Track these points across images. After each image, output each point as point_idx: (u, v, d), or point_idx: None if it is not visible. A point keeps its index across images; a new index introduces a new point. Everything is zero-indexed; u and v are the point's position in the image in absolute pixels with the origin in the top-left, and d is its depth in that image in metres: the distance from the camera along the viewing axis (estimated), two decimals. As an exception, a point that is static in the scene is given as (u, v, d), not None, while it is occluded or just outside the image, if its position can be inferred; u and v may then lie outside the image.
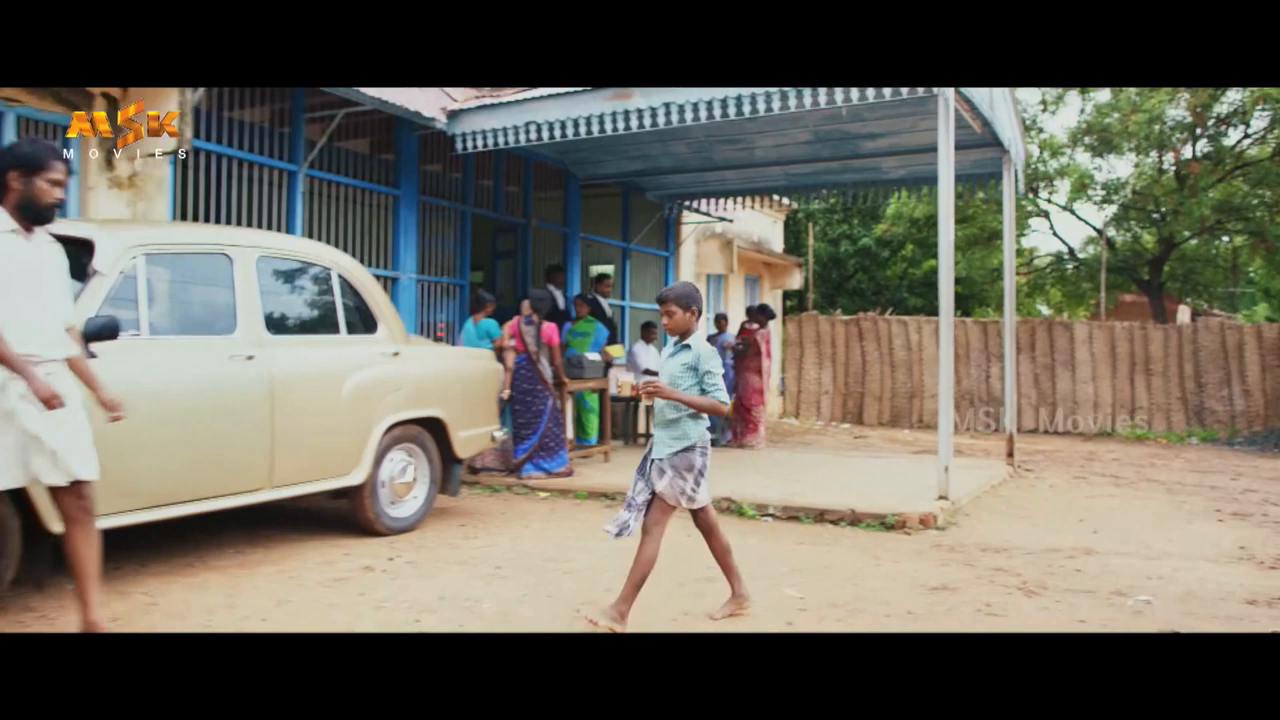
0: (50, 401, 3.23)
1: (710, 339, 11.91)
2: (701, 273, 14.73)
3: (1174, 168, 18.31)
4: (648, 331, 11.04)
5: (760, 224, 16.55)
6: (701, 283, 14.91)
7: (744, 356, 10.95)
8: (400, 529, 5.66)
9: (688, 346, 4.12)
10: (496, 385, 6.59)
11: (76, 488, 3.38)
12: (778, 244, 17.85)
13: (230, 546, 5.20)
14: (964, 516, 7.05)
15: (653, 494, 4.12)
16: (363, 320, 5.53)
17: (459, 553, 5.33)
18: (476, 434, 6.14)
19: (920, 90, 6.72)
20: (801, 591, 4.78)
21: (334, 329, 5.37)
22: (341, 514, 5.88)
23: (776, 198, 13.90)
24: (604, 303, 10.53)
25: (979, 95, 7.80)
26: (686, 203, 13.30)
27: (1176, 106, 17.22)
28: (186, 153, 6.60)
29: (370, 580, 4.66)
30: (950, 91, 6.91)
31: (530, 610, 4.29)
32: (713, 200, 13.07)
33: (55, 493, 3.39)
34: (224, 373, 4.58)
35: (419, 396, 5.65)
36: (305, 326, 5.26)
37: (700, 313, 4.18)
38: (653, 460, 4.15)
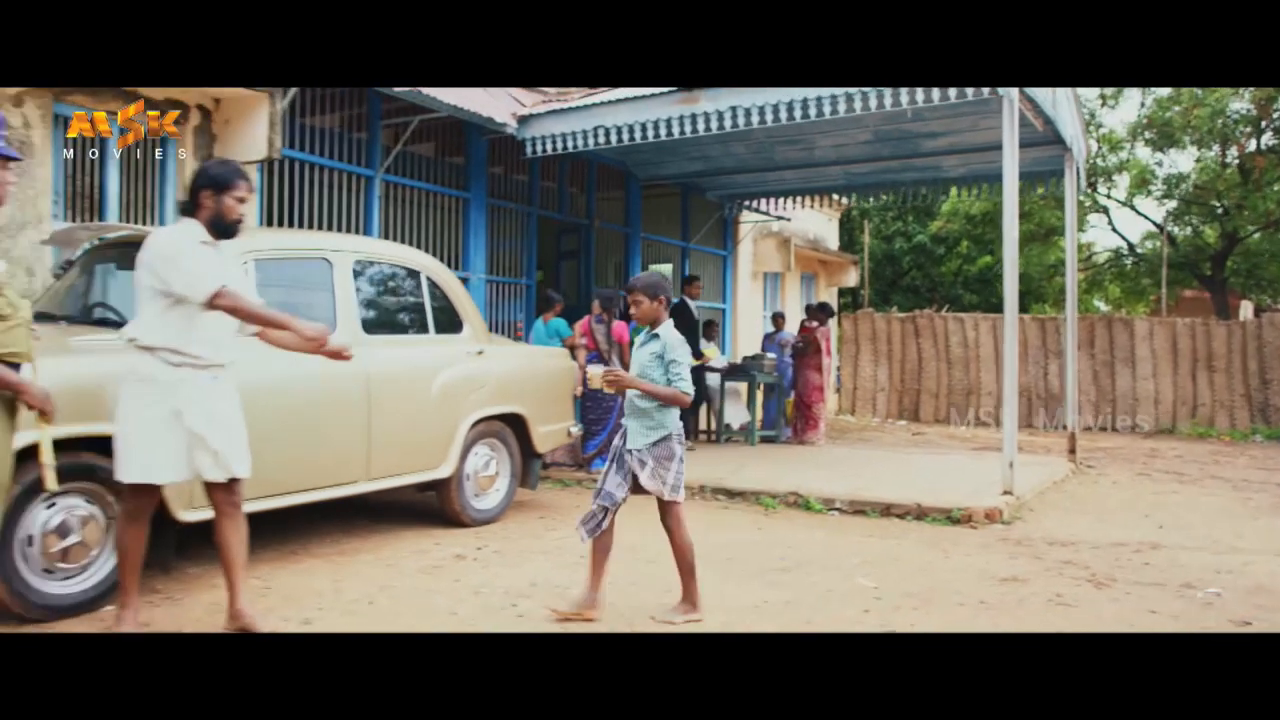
0: (341, 354, 3.85)
1: (768, 337, 12.11)
2: (759, 271, 14.88)
3: (1237, 161, 18.07)
4: (709, 329, 11.25)
5: (816, 222, 16.64)
6: (759, 281, 15.06)
7: (804, 354, 11.09)
8: (484, 520, 5.91)
9: (656, 335, 4.12)
10: (572, 382, 6.82)
11: (229, 484, 3.67)
12: (833, 242, 17.92)
13: (328, 536, 5.49)
14: (1029, 511, 7.14)
15: (633, 490, 4.10)
16: (449, 320, 5.78)
17: (542, 543, 5.57)
18: (554, 429, 6.38)
19: (985, 91, 6.82)
20: (875, 581, 4.94)
21: (423, 329, 5.63)
22: (427, 506, 6.15)
23: (835, 196, 14.00)
24: (692, 305, 10.58)
25: (1042, 94, 7.86)
26: (745, 202, 13.46)
27: (1240, 100, 17.00)
28: (277, 159, 6.92)
29: (463, 568, 4.91)
30: (1015, 92, 6.99)
31: (617, 597, 4.50)
32: (771, 199, 13.21)
33: (209, 488, 3.68)
34: (326, 371, 4.80)
35: (502, 393, 5.89)
36: (398, 326, 5.53)
37: (669, 302, 4.18)
38: (629, 451, 4.13)
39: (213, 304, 3.49)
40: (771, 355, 11.24)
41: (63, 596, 3.86)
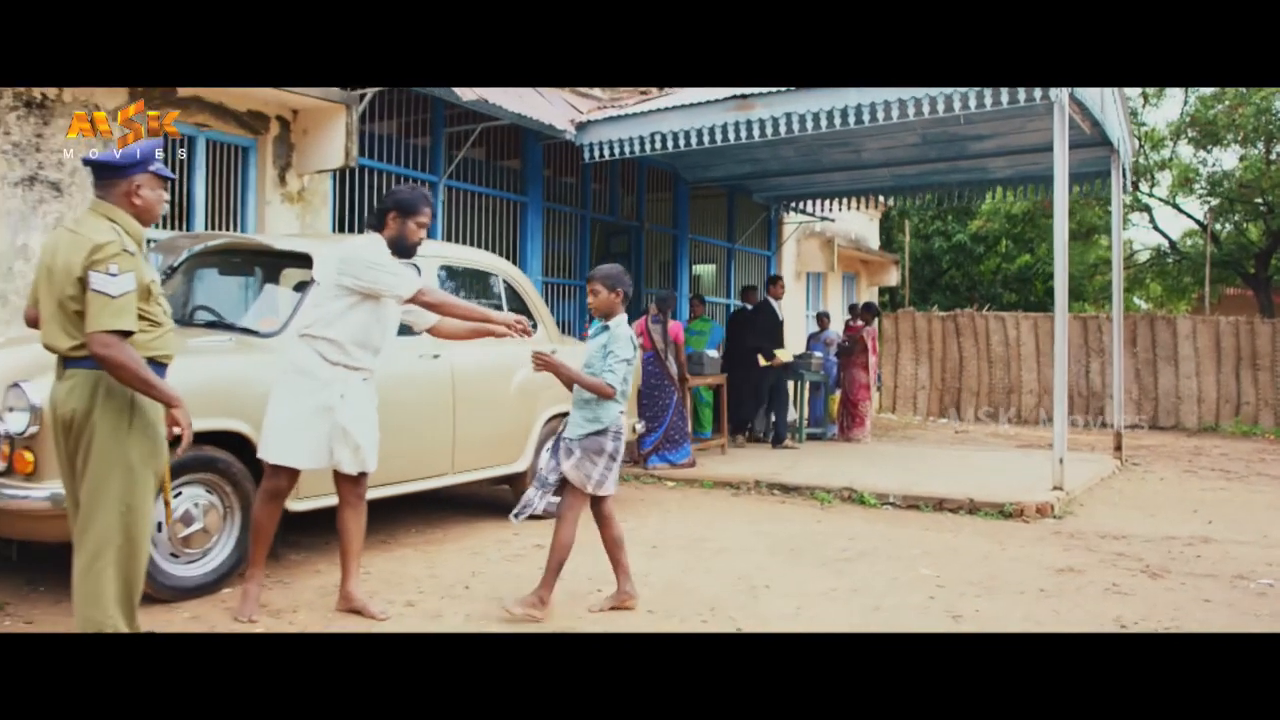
0: (526, 329, 4.15)
1: (813, 336, 12.31)
2: (802, 270, 15.06)
3: (1281, 159, 18.04)
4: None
5: (857, 221, 16.79)
6: (801, 280, 15.25)
7: (851, 353, 11.29)
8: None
9: (607, 328, 4.15)
10: (635, 381, 7.07)
11: (358, 477, 4.00)
12: (874, 241, 18.05)
13: (413, 527, 5.78)
14: (1079, 506, 7.32)
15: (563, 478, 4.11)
16: (524, 321, 6.06)
17: (613, 533, 5.83)
18: (620, 426, 6.64)
19: (1037, 96, 6.98)
20: (936, 571, 5.16)
21: (501, 330, 5.91)
22: (498, 499, 6.43)
23: (879, 197, 14.16)
24: (776, 305, 10.70)
25: (1090, 98, 8.01)
26: (792, 204, 13.66)
27: (1284, 97, 16.98)
28: (353, 168, 7.24)
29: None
30: (1065, 96, 7.14)
31: (694, 581, 4.76)
32: (817, 201, 13.41)
33: (338, 479, 4.00)
34: (416, 370, 5.14)
35: (573, 391, 6.16)
36: (478, 328, 5.81)
37: (626, 295, 4.18)
38: (563, 439, 4.17)
39: (416, 299, 3.88)
40: (818, 354, 11.44)
41: (187, 579, 4.17)
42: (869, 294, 17.55)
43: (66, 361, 3.05)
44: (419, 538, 5.52)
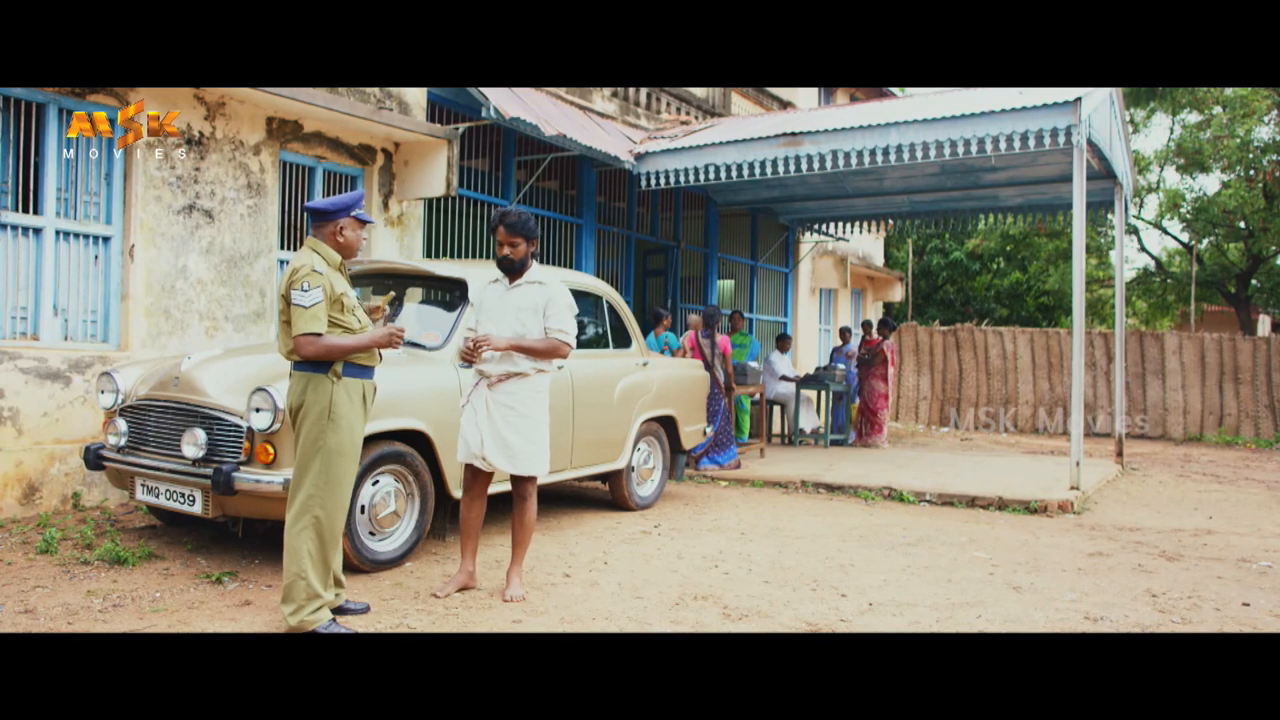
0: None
1: (836, 350, 13.22)
2: (815, 287, 15.99)
3: (1262, 186, 19.12)
4: (782, 342, 12.38)
5: (864, 240, 17.75)
6: (815, 296, 16.17)
7: (871, 365, 12.19)
8: (643, 506, 7.02)
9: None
10: (706, 390, 7.93)
11: (516, 478, 4.60)
12: (879, 258, 19.02)
13: (529, 515, 6.58)
14: (1094, 504, 8.22)
15: None
16: (622, 337, 6.90)
17: (702, 523, 6.67)
18: (695, 430, 7.50)
19: (1061, 142, 7.90)
20: (986, 554, 6.03)
21: (605, 345, 6.75)
22: (586, 493, 7.25)
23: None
24: None
25: (1101, 137, 8.95)
26: (813, 225, 14.58)
27: (1265, 127, 18.04)
28: (452, 196, 8.06)
29: (656, 541, 6.01)
30: (1084, 139, 8.06)
31: (791, 561, 5.60)
32: (837, 223, 14.33)
33: (512, 476, 4.63)
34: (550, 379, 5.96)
35: (661, 398, 7.01)
36: (589, 343, 6.64)
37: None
38: None
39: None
40: (841, 366, 12.35)
41: (381, 553, 4.96)
42: (875, 309, 18.50)
43: (293, 365, 3.90)
44: (540, 525, 6.32)
